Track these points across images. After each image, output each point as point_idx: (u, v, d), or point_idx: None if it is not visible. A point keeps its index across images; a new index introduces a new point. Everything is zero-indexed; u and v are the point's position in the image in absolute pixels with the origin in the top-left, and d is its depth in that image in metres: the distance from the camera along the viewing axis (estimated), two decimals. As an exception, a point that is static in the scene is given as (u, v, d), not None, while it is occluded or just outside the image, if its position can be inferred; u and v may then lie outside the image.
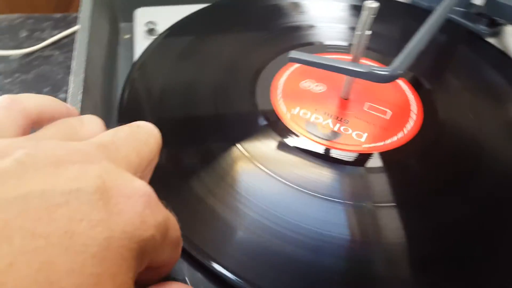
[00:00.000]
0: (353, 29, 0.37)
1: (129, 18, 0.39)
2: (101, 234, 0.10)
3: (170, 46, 0.34)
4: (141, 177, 0.14)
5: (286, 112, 0.29)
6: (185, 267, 0.20)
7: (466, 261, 0.21)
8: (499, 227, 0.23)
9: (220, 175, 0.24)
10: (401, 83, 0.32)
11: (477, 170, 0.26)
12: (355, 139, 0.27)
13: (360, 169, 0.26)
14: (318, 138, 0.27)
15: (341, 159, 0.26)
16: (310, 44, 0.36)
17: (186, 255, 0.20)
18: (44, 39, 0.46)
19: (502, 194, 0.25)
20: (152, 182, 0.14)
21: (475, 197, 0.24)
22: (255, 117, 0.29)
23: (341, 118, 0.29)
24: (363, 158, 0.26)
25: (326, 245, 0.21)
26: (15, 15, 0.50)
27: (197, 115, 0.29)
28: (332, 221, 0.22)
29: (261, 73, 0.32)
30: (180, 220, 0.14)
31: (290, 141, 0.27)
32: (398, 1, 0.42)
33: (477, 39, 0.38)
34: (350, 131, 0.28)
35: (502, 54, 0.36)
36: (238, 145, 0.26)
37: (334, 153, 0.26)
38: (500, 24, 0.38)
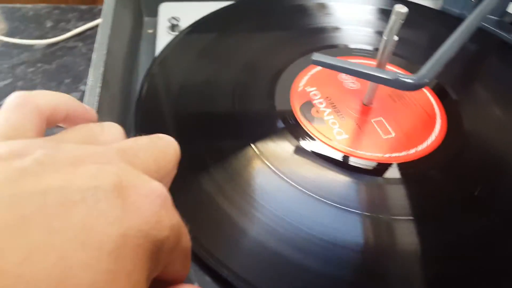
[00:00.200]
0: (379, 33, 0.36)
1: (153, 13, 0.40)
2: (117, 231, 0.10)
3: (191, 43, 0.34)
4: None
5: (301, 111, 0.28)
6: (192, 272, 0.20)
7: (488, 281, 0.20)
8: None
9: (233, 176, 0.24)
10: (427, 92, 0.31)
11: (501, 185, 0.25)
12: (373, 147, 0.26)
13: (379, 179, 0.25)
14: (337, 144, 0.26)
15: (360, 167, 0.25)
16: (334, 46, 0.35)
17: (195, 258, 0.20)
18: (68, 30, 0.46)
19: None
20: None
21: (498, 210, 0.23)
22: (273, 119, 0.28)
23: (358, 124, 0.28)
24: (382, 168, 0.25)
25: (337, 256, 0.21)
26: (42, 5, 0.50)
27: (214, 112, 0.29)
28: (344, 231, 0.22)
29: (282, 74, 0.32)
30: (191, 220, 0.14)
31: (307, 145, 0.26)
32: (428, 7, 0.41)
33: (510, 50, 0.36)
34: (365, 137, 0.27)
35: (536, 66, 0.34)
36: (253, 146, 0.26)
37: (353, 161, 0.26)
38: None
